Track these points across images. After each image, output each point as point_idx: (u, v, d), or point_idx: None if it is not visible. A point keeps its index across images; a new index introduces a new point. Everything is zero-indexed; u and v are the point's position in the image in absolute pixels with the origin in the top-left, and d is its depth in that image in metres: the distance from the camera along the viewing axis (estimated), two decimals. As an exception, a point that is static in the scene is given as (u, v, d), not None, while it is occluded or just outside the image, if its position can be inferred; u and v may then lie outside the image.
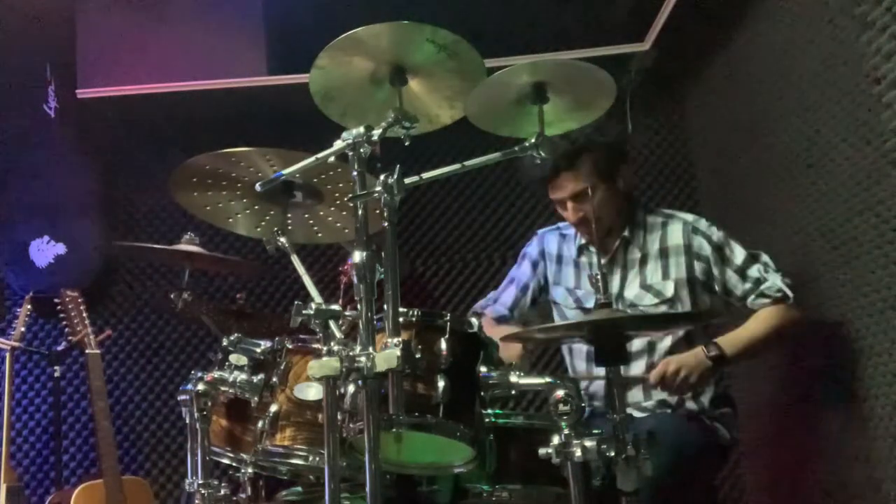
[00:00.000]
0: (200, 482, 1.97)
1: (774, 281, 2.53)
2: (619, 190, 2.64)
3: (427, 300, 3.88)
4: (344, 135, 1.75)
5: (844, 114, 2.46)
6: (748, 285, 2.54)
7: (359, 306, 1.65)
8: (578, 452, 1.79)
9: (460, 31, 1.81)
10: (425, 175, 1.89)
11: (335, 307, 1.74)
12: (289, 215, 2.19)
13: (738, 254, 2.57)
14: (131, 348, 3.89)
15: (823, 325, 2.67)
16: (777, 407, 3.12)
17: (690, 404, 2.54)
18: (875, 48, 2.22)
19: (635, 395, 2.55)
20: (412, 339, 1.82)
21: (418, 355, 1.78)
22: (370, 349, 1.61)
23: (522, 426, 2.04)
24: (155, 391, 3.86)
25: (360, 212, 1.72)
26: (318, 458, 1.94)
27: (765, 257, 2.58)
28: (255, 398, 2.01)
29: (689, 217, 2.67)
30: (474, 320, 1.95)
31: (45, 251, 3.76)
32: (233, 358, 2.06)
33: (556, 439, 1.81)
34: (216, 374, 2.03)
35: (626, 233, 2.65)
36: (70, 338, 3.44)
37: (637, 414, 2.51)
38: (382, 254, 1.68)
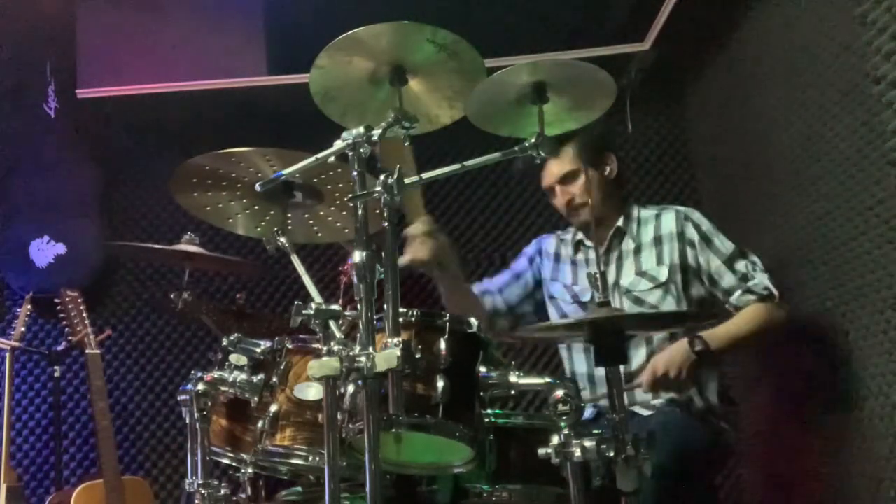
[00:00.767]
0: (200, 482, 1.96)
1: (761, 279, 2.56)
2: (607, 177, 2.72)
3: (427, 300, 3.87)
4: (344, 135, 1.75)
5: (844, 114, 2.46)
6: (734, 279, 2.57)
7: (359, 306, 1.65)
8: (578, 452, 1.79)
9: (460, 31, 1.80)
10: (425, 175, 1.89)
11: (335, 307, 1.74)
12: (289, 215, 2.19)
13: (727, 246, 2.61)
14: (131, 348, 3.89)
15: (823, 324, 2.67)
16: (777, 407, 3.12)
17: (697, 401, 2.55)
18: (875, 48, 2.22)
19: (643, 394, 2.56)
20: (412, 339, 1.82)
21: (418, 355, 1.78)
22: (370, 349, 1.61)
23: (522, 426, 2.04)
24: (155, 391, 3.86)
25: (360, 212, 1.72)
26: (318, 458, 1.94)
27: (753, 256, 2.61)
28: (255, 398, 2.00)
29: (682, 207, 2.73)
30: (474, 320, 1.95)
31: (45, 251, 3.76)
32: (233, 358, 2.06)
33: (555, 439, 1.81)
34: (216, 374, 2.03)
35: (619, 223, 2.69)
36: (70, 338, 3.43)
37: (644, 412, 2.51)
38: (382, 254, 1.68)
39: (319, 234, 2.31)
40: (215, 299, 3.82)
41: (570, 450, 1.80)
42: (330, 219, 2.24)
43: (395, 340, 1.61)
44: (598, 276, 1.98)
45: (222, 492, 1.99)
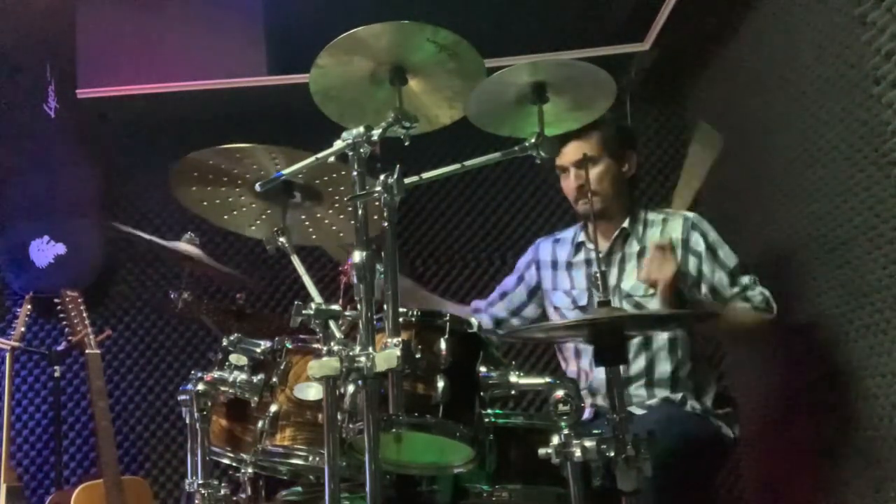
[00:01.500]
0: (200, 482, 1.97)
1: (762, 291, 2.57)
2: (623, 173, 2.67)
3: (427, 300, 3.88)
4: (344, 135, 1.75)
5: (844, 114, 2.46)
6: (736, 289, 2.56)
7: (359, 306, 1.65)
8: (578, 452, 1.79)
9: (460, 31, 1.81)
10: (425, 175, 1.89)
11: (335, 307, 1.74)
12: (292, 215, 2.19)
13: (731, 259, 2.60)
14: (131, 348, 3.89)
15: (823, 324, 2.67)
16: (777, 407, 3.12)
17: (694, 403, 2.55)
18: (875, 48, 2.22)
19: (639, 393, 2.56)
20: (412, 339, 1.82)
21: (418, 355, 1.79)
22: (370, 349, 1.61)
23: (522, 426, 2.04)
24: (155, 391, 3.86)
25: (359, 212, 1.72)
26: (318, 458, 1.94)
27: (752, 274, 2.61)
28: (255, 398, 2.01)
29: (690, 214, 2.70)
30: (474, 320, 1.95)
31: (45, 251, 3.77)
32: (233, 358, 2.06)
33: (555, 439, 1.81)
34: (216, 374, 2.03)
35: (625, 224, 2.66)
36: (70, 338, 3.43)
37: (638, 411, 2.51)
38: (382, 254, 1.68)
39: (314, 237, 2.31)
40: (215, 299, 3.81)
41: (571, 450, 1.79)
42: (326, 221, 2.24)
43: (395, 340, 1.61)
44: (598, 275, 1.98)
45: (222, 492, 2.00)
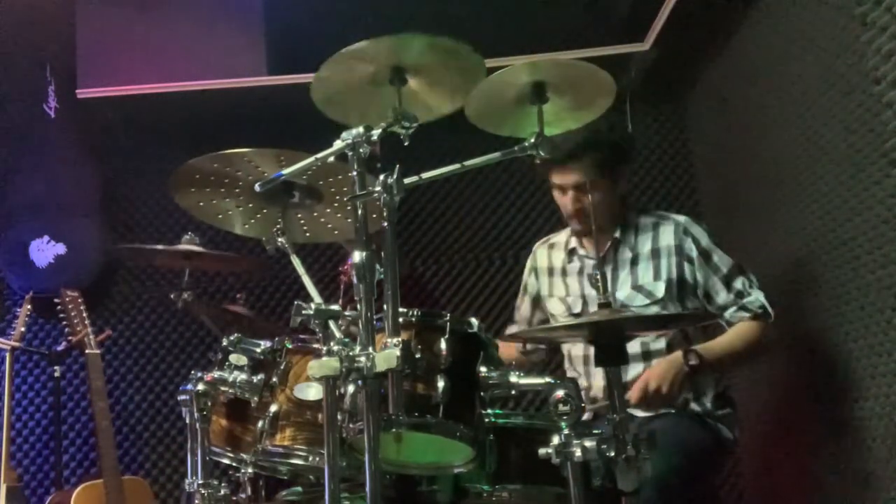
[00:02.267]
0: (200, 482, 1.96)
1: (757, 296, 2.55)
2: (617, 192, 2.66)
3: (427, 300, 3.88)
4: (343, 135, 1.74)
5: (844, 114, 2.46)
6: (731, 296, 2.56)
7: (359, 306, 1.65)
8: (578, 452, 1.79)
9: (460, 31, 1.80)
10: (425, 175, 1.89)
11: (335, 307, 1.74)
12: (293, 214, 2.19)
13: (725, 262, 2.58)
14: (131, 348, 3.89)
15: (823, 325, 2.67)
16: (777, 407, 3.12)
17: (694, 405, 2.54)
18: (875, 48, 2.22)
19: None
20: (412, 339, 1.82)
21: (418, 355, 1.79)
22: (370, 349, 1.61)
23: (522, 426, 2.04)
24: (155, 391, 3.86)
25: (359, 212, 1.72)
26: (318, 458, 1.94)
27: (750, 273, 2.59)
28: (255, 398, 2.00)
29: (681, 218, 2.67)
30: (474, 320, 1.95)
31: (45, 251, 3.76)
32: (233, 358, 2.06)
33: (556, 439, 1.81)
34: (216, 374, 2.03)
35: (616, 234, 2.66)
36: (70, 338, 3.44)
37: (641, 414, 2.51)
38: (382, 254, 1.68)
39: (308, 235, 2.31)
40: (215, 299, 3.82)
41: (571, 450, 1.79)
42: (323, 220, 2.24)
43: (395, 340, 1.61)
44: (598, 277, 1.97)
45: (222, 492, 1.99)
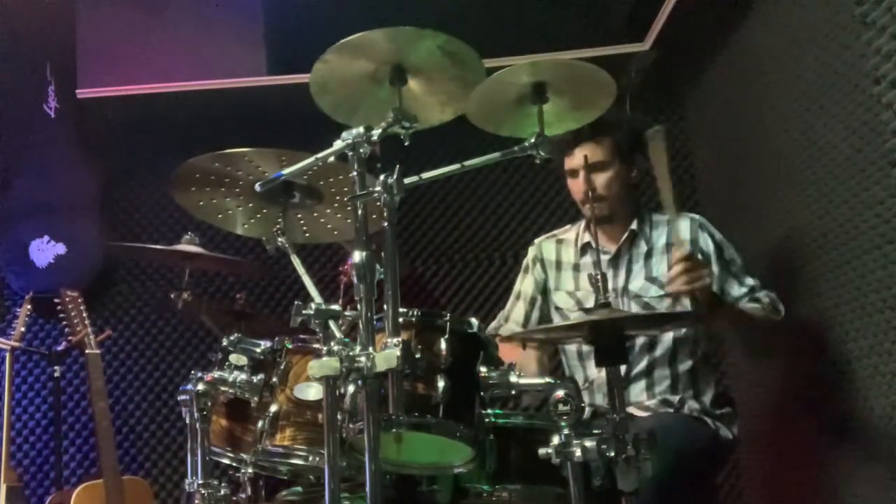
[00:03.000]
0: (200, 482, 1.96)
1: (768, 294, 2.59)
2: (631, 178, 2.67)
3: (427, 300, 3.88)
4: (344, 135, 1.74)
5: (844, 114, 2.46)
6: (743, 289, 2.58)
7: (359, 306, 1.65)
8: (578, 452, 1.79)
9: (460, 31, 1.80)
10: (425, 175, 1.89)
11: (335, 307, 1.74)
12: (293, 214, 2.19)
13: (737, 259, 2.62)
14: (131, 348, 3.89)
15: (823, 324, 2.67)
16: (777, 407, 3.12)
17: (693, 404, 2.54)
18: (875, 48, 2.22)
19: (638, 394, 2.56)
20: (412, 339, 1.82)
21: (418, 355, 1.79)
22: (370, 349, 1.61)
23: (522, 426, 2.04)
24: (155, 391, 3.86)
25: (359, 212, 1.72)
26: (318, 458, 1.94)
27: (756, 277, 2.62)
28: (255, 398, 2.00)
29: (696, 216, 2.71)
30: (474, 320, 1.95)
31: (45, 251, 3.77)
32: (233, 358, 2.06)
33: (556, 439, 1.81)
34: (216, 374, 2.03)
35: (633, 226, 2.66)
36: (70, 338, 3.44)
37: (639, 413, 2.51)
38: (382, 254, 1.68)
39: (307, 235, 2.31)
40: (215, 299, 3.82)
41: (571, 450, 1.80)
42: (322, 220, 2.24)
43: (395, 340, 1.61)
44: (598, 276, 1.98)
45: (222, 492, 1.99)
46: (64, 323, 3.45)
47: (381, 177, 1.71)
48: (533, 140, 1.87)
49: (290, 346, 2.04)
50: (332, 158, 1.80)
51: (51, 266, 3.76)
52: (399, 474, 1.97)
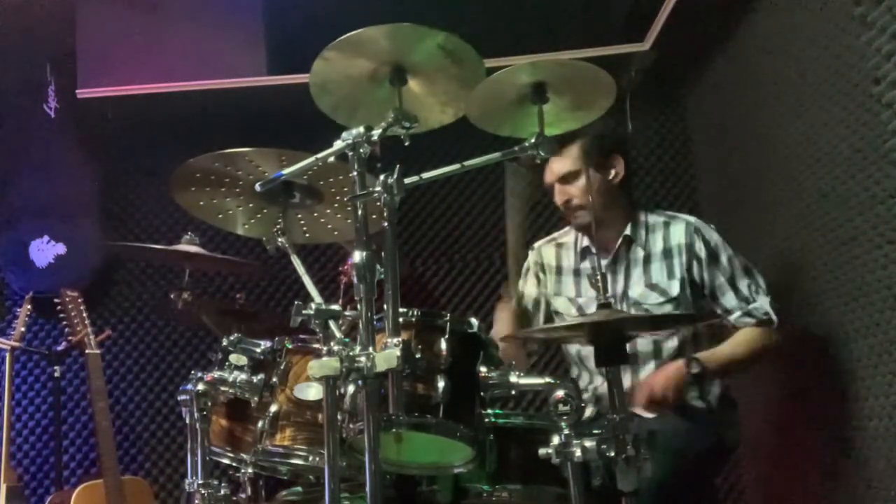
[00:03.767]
0: (200, 482, 1.96)
1: (762, 303, 2.55)
2: (611, 181, 2.65)
3: (427, 300, 3.88)
4: (344, 135, 1.74)
5: (844, 114, 2.46)
6: (736, 298, 2.56)
7: (359, 306, 1.65)
8: (578, 452, 1.79)
9: (460, 31, 1.80)
10: (425, 175, 1.89)
11: (335, 307, 1.74)
12: (293, 214, 2.19)
13: (733, 263, 2.59)
14: (131, 348, 3.89)
15: (823, 325, 2.67)
16: (777, 407, 3.12)
17: (698, 403, 2.54)
18: (875, 48, 2.22)
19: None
20: (412, 339, 1.83)
21: (418, 355, 1.79)
22: (370, 349, 1.61)
23: (522, 426, 2.04)
24: (155, 391, 3.86)
25: (359, 212, 1.72)
26: (318, 458, 1.94)
27: (758, 276, 2.59)
28: (255, 398, 2.01)
29: (692, 219, 2.68)
30: (474, 320, 1.95)
31: (45, 251, 3.77)
32: (233, 358, 2.06)
33: (556, 439, 1.81)
34: (216, 374, 2.03)
35: (627, 231, 2.65)
36: (70, 338, 3.43)
37: (645, 414, 2.51)
38: (382, 254, 1.68)
39: (307, 235, 2.31)
40: (215, 299, 3.82)
41: (571, 450, 1.80)
42: (322, 220, 2.24)
43: (395, 340, 1.61)
44: (598, 277, 1.97)
45: (222, 492, 1.99)
46: (64, 323, 3.45)
47: (381, 177, 1.71)
48: (533, 140, 1.87)
49: (290, 346, 2.04)
50: (332, 158, 1.80)
51: (51, 266, 3.76)
52: (399, 474, 1.98)
